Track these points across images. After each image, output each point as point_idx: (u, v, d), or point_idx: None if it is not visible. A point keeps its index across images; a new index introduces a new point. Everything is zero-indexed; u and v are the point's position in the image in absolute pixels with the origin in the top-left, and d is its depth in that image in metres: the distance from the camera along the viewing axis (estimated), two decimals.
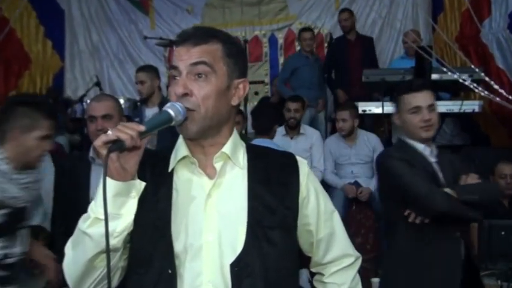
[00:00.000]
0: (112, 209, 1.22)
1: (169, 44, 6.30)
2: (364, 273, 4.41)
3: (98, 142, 1.18)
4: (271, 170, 1.42)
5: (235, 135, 1.43)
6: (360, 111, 5.05)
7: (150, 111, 4.61)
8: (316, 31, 7.60)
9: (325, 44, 7.33)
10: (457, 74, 4.75)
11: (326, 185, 4.73)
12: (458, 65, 5.94)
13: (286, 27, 7.78)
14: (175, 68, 1.34)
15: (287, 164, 1.46)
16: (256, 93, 7.61)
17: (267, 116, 3.74)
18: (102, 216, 1.18)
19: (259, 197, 1.37)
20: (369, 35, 6.78)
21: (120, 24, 7.94)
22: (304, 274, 4.02)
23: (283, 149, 3.80)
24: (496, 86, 4.79)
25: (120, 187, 1.23)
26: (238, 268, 1.32)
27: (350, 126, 4.59)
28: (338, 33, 6.65)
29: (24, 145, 2.16)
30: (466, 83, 4.60)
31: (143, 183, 1.30)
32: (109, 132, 1.18)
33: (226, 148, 1.38)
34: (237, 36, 7.82)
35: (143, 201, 1.32)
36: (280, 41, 7.82)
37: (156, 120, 1.27)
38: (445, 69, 4.83)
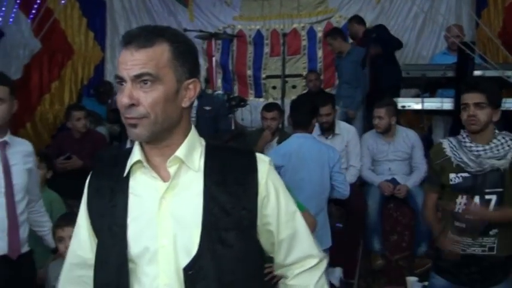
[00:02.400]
0: None
1: (208, 37, 6.33)
2: (400, 272, 4.39)
3: None
4: (228, 170, 1.39)
5: (192, 135, 1.40)
6: (399, 107, 4.97)
7: None
8: None
9: None
10: (501, 70, 4.61)
11: (363, 182, 4.69)
12: (501, 61, 5.76)
13: (325, 20, 7.71)
14: (120, 78, 1.31)
15: (245, 164, 1.42)
16: (294, 87, 7.58)
17: (305, 110, 3.71)
18: None
19: (214, 198, 1.35)
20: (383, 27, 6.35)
21: (160, 15, 8.02)
22: (337, 272, 4.00)
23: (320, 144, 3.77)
24: None
25: None
26: (192, 271, 1.32)
27: (386, 124, 4.51)
28: None
29: None
30: (511, 80, 4.47)
31: None
32: None
33: (180, 152, 1.36)
34: (275, 29, 7.80)
35: (101, 207, 1.37)
36: (319, 34, 7.73)
37: None
38: (488, 66, 4.70)
